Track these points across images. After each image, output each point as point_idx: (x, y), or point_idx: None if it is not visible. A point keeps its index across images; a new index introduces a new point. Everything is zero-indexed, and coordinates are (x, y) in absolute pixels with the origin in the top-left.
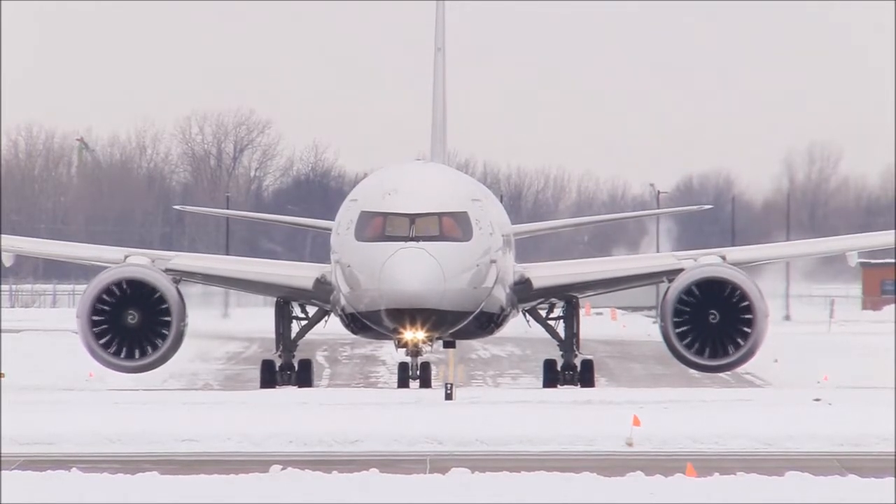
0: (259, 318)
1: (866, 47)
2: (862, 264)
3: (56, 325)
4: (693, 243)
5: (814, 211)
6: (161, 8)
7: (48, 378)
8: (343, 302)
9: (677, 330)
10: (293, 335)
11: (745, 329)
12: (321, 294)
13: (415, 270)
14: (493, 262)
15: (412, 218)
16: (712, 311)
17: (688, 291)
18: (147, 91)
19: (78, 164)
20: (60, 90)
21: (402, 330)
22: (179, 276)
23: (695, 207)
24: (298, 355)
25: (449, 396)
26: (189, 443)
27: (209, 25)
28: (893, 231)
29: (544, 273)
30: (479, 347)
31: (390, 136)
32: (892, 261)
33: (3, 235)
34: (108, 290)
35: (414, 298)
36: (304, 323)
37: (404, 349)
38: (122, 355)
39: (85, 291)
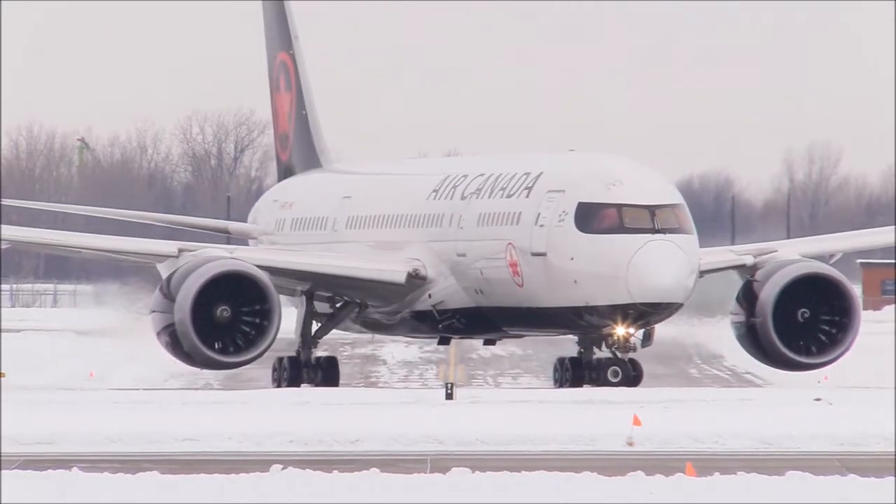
0: None
1: (866, 47)
2: (862, 264)
3: (56, 325)
4: None
5: (814, 210)
6: (161, 8)
7: (48, 378)
8: (443, 297)
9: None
10: (314, 331)
11: (840, 325)
12: (409, 289)
13: (667, 263)
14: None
15: (652, 210)
16: (804, 307)
17: (789, 287)
18: (147, 91)
19: (79, 164)
20: (60, 90)
21: (616, 325)
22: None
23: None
24: (322, 352)
25: (449, 396)
26: (189, 443)
27: (209, 25)
28: None
29: None
30: (479, 347)
31: (390, 134)
32: (892, 261)
33: (39, 230)
34: (209, 285)
35: (666, 292)
36: (325, 319)
37: (612, 345)
38: (226, 351)
39: (184, 285)
